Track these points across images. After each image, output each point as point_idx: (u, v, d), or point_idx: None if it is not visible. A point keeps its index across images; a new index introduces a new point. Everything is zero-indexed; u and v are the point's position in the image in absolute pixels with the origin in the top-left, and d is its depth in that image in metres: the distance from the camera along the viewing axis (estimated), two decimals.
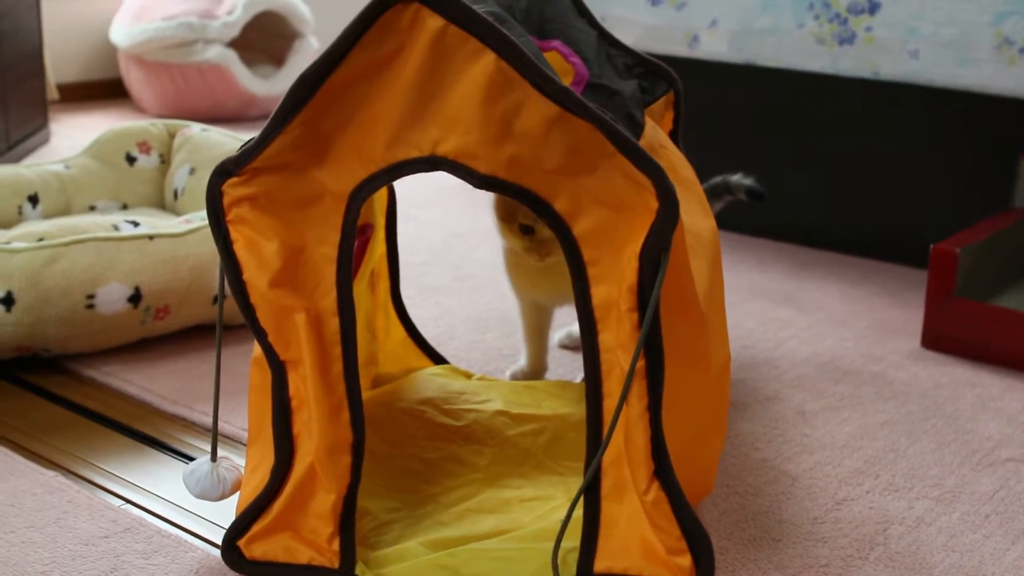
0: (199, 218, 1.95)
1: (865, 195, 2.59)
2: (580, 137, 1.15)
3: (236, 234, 1.24)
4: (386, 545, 1.32)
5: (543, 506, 1.40)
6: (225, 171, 1.23)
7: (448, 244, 2.57)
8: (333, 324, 1.25)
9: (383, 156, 1.20)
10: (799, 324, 2.13)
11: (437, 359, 1.78)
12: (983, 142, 2.39)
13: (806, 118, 2.65)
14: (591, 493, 1.23)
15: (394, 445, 1.51)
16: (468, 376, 1.74)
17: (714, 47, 2.66)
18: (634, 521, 1.22)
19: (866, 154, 2.58)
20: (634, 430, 1.18)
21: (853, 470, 1.58)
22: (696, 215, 1.40)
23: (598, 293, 1.19)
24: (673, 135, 1.62)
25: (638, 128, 1.38)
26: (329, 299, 1.25)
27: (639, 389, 1.17)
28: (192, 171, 2.31)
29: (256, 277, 1.23)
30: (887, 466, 1.60)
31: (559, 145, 1.15)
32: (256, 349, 1.30)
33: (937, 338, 2.02)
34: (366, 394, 1.63)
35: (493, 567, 1.26)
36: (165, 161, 2.41)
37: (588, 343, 1.21)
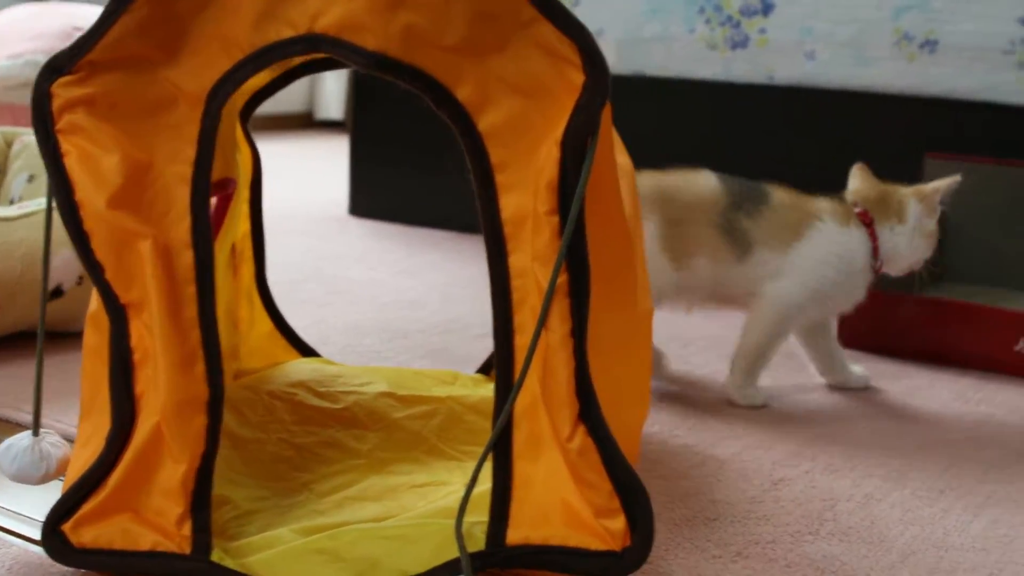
0: (35, 204, 1.71)
1: None
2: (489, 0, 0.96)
3: (68, 145, 1.01)
4: (250, 536, 1.09)
5: (437, 492, 1.18)
6: (55, 68, 1.01)
7: (320, 265, 2.35)
8: (186, 258, 1.03)
9: (249, 39, 1.00)
10: (718, 319, 1.96)
11: (309, 354, 1.55)
12: (887, 143, 2.28)
13: (699, 128, 2.51)
14: (501, 450, 1.01)
15: (260, 429, 1.28)
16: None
17: None
18: (554, 481, 1.01)
19: (763, 161, 2.45)
20: (555, 360, 0.97)
21: (787, 453, 1.40)
22: (617, 147, 1.22)
23: (508, 205, 0.99)
24: None
25: None
26: (182, 227, 1.03)
27: (561, 310, 0.97)
28: (31, 179, 2.06)
29: (91, 196, 1.01)
30: (823, 448, 1.42)
31: (463, 11, 0.96)
32: (92, 303, 1.07)
33: (855, 335, 1.86)
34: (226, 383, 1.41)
35: (385, 547, 1.03)
36: (1, 170, 2.15)
37: (496, 268, 1.00)
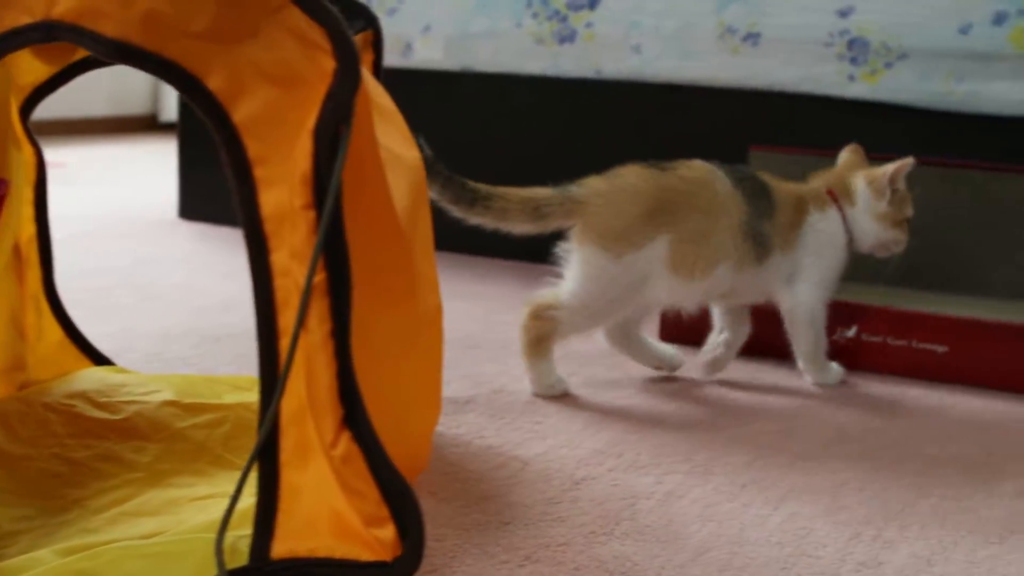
0: None
1: None
2: None
3: None
4: (8, 559, 1.01)
5: (219, 504, 1.12)
6: None
7: (138, 270, 2.26)
8: None
9: None
10: None
11: (103, 363, 1.47)
12: (713, 136, 2.27)
13: (529, 123, 2.48)
14: (267, 459, 0.96)
15: (31, 444, 1.21)
16: None
17: (429, 54, 2.48)
18: (323, 490, 0.96)
19: (593, 156, 2.43)
20: (316, 363, 0.92)
21: (593, 451, 1.37)
22: (396, 140, 1.17)
23: (268, 201, 0.94)
24: (375, 76, 1.40)
25: None
26: None
27: (320, 310, 0.92)
28: None
29: None
30: (631, 446, 1.39)
31: None
32: None
33: (673, 330, 1.85)
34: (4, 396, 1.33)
35: (146, 566, 0.97)
36: None
37: (257, 268, 0.95)
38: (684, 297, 1.59)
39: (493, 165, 2.49)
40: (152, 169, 3.82)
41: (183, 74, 0.92)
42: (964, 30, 2.04)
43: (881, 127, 2.14)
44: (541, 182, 2.46)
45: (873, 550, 1.13)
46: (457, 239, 2.53)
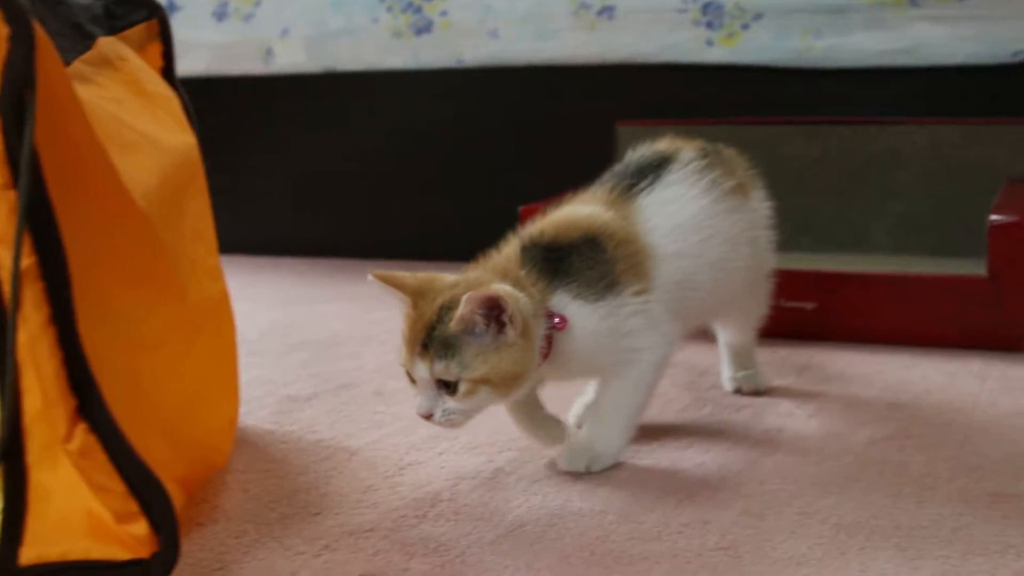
0: None
1: (462, 190, 2.37)
2: None
3: None
4: None
5: None
6: None
7: None
8: None
9: None
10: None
11: None
12: (579, 115, 2.23)
13: (394, 119, 2.43)
14: (11, 462, 0.89)
15: None
16: None
17: (291, 58, 2.42)
18: (76, 490, 0.89)
19: (463, 146, 2.38)
20: (38, 352, 0.85)
21: (428, 436, 1.31)
22: (157, 124, 1.11)
23: None
24: (166, 72, 1.33)
25: (88, 39, 1.12)
26: None
27: (34, 296, 0.85)
28: None
29: None
30: (468, 428, 1.33)
31: None
32: None
33: None
34: None
35: None
36: None
37: None
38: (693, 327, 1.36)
39: (369, 165, 2.44)
40: None
41: None
42: None
43: (745, 89, 2.11)
44: (417, 179, 2.41)
45: (702, 511, 1.08)
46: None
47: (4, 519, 0.89)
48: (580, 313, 1.14)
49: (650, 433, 1.30)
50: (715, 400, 1.42)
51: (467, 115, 2.34)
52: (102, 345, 0.89)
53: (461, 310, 1.05)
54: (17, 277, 0.83)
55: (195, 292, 1.05)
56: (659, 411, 1.38)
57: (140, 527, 0.87)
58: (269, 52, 2.43)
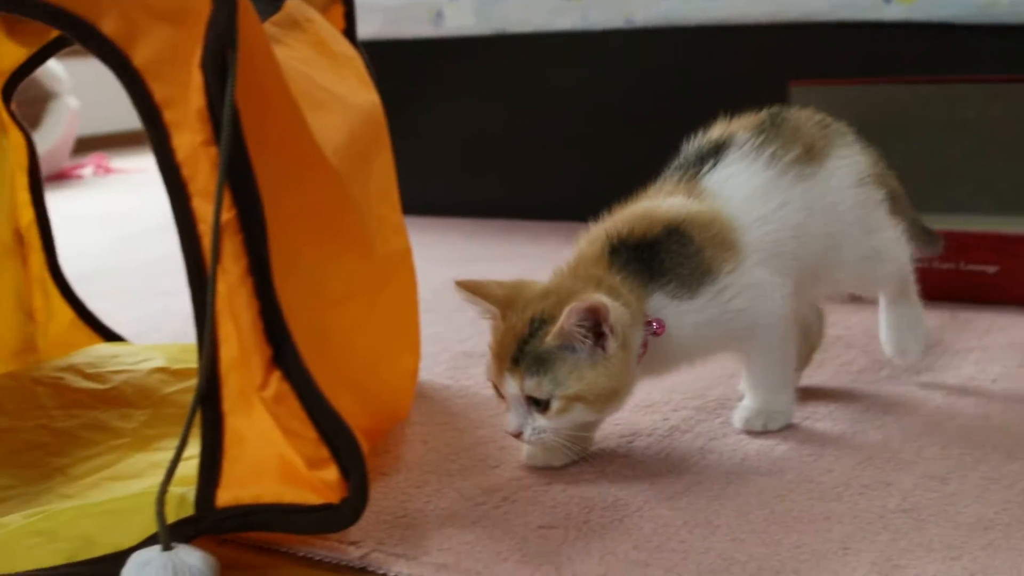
0: None
1: (641, 149, 2.36)
2: None
3: None
4: None
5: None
6: None
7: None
8: None
9: None
10: None
11: (114, 340, 1.47)
12: (750, 75, 2.19)
13: (568, 81, 2.43)
14: (209, 407, 0.93)
15: (17, 417, 1.21)
16: None
17: (460, 20, 2.44)
18: (269, 436, 0.92)
19: (633, 109, 2.37)
20: (236, 303, 0.89)
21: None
22: (344, 83, 1.14)
23: (182, 144, 0.90)
24: (348, 33, 1.36)
25: (277, 2, 1.16)
26: None
27: (233, 248, 0.88)
28: None
29: None
30: (642, 387, 1.33)
31: None
32: None
33: None
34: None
35: (100, 523, 0.95)
36: None
37: (180, 215, 0.91)
38: None
39: (536, 127, 2.45)
40: None
41: (75, 21, 0.89)
42: None
43: (923, 47, 2.04)
44: (584, 141, 2.41)
45: (883, 473, 1.07)
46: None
47: (202, 463, 0.94)
48: (679, 312, 1.08)
49: (826, 396, 1.29)
50: (893, 362, 1.39)
51: (636, 76, 2.33)
52: (292, 297, 0.92)
53: (562, 321, 0.99)
54: (218, 230, 0.87)
55: (381, 247, 1.08)
56: (833, 375, 1.36)
57: (330, 473, 0.90)
58: (439, 15, 2.45)
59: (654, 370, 1.12)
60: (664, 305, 1.07)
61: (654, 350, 1.08)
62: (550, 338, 1.00)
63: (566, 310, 0.99)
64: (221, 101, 0.84)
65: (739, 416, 1.19)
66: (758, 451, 1.13)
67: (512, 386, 1.02)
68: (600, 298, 1.00)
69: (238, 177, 0.86)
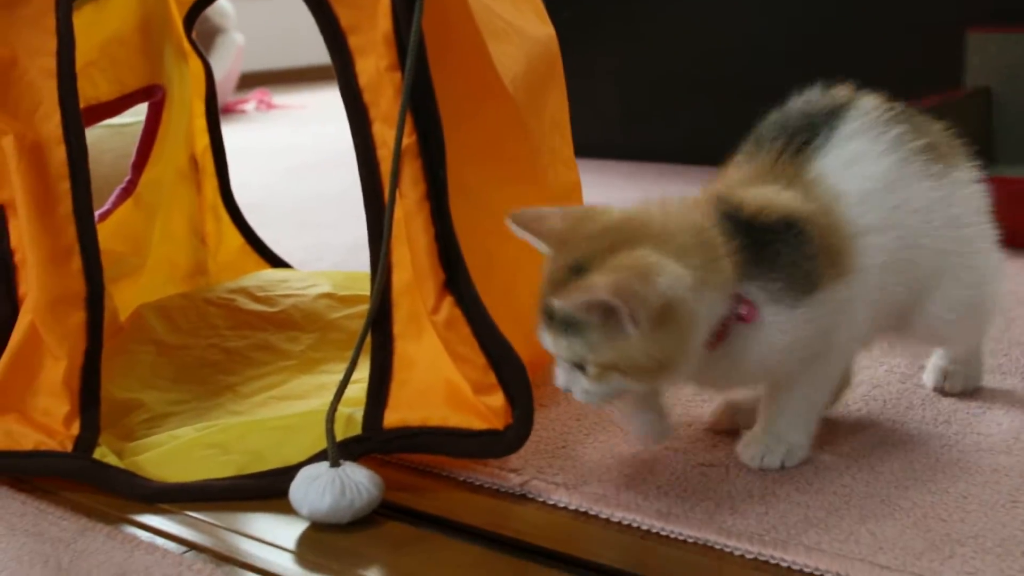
0: None
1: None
2: None
3: None
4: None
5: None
6: None
7: (346, 193, 2.31)
8: (59, 154, 1.00)
9: None
10: None
11: (280, 267, 1.51)
12: (925, 20, 2.13)
13: (727, 25, 2.39)
14: (380, 330, 0.96)
15: (190, 335, 1.26)
16: None
17: None
18: (437, 360, 0.95)
19: (802, 57, 2.32)
20: (413, 227, 0.91)
21: None
22: (520, 15, 1.14)
23: (365, 69, 0.92)
24: None
25: None
26: (52, 123, 1.00)
27: (412, 173, 0.90)
28: None
29: None
30: None
31: None
32: None
33: None
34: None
35: (270, 438, 0.99)
36: None
37: (359, 139, 0.94)
38: None
39: (695, 71, 2.43)
40: None
41: None
42: None
43: None
44: (743, 87, 2.38)
45: None
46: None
47: (371, 384, 0.96)
48: (775, 319, 0.88)
49: (993, 351, 1.25)
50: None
51: (800, 21, 2.28)
52: (462, 225, 0.93)
53: (569, 304, 0.81)
54: (398, 154, 0.88)
55: (552, 180, 1.09)
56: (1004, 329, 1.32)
57: (496, 399, 0.92)
58: None
59: (720, 375, 0.93)
60: (759, 304, 0.88)
61: (735, 345, 0.89)
62: (568, 304, 0.82)
63: (568, 299, 0.81)
64: (408, 26, 0.86)
65: (752, 451, 0.97)
66: (922, 400, 1.11)
67: (548, 342, 0.86)
68: (616, 289, 0.79)
69: (420, 102, 0.88)
